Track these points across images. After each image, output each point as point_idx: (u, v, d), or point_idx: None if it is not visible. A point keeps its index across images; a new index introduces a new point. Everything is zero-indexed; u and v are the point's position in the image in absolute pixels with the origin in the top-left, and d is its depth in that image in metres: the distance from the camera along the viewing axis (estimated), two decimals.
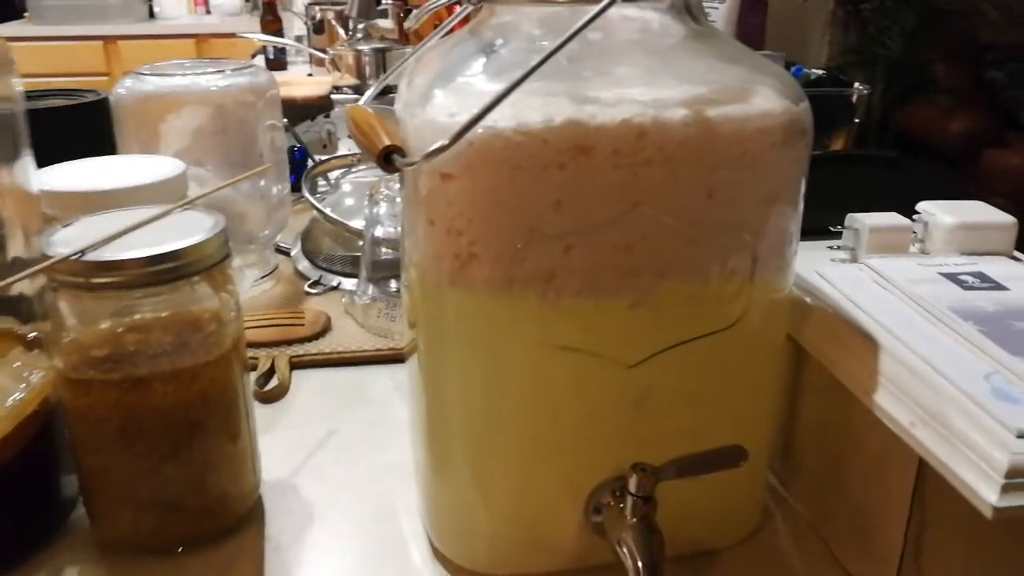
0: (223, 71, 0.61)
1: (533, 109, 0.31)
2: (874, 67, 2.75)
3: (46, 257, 0.34)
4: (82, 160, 0.51)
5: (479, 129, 0.30)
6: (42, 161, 0.48)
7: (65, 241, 0.35)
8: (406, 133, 0.34)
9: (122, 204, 0.42)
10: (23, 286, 0.40)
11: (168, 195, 0.47)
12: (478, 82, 0.33)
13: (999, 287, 0.40)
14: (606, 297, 0.33)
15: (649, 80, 0.33)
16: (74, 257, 0.34)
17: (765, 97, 0.33)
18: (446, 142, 0.29)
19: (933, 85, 2.75)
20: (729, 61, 0.35)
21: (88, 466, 0.38)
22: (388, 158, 0.32)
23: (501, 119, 0.30)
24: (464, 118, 0.29)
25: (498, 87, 0.29)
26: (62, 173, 0.49)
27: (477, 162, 0.31)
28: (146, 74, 0.59)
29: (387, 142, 0.32)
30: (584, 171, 0.31)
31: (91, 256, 0.35)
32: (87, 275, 0.35)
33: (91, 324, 0.37)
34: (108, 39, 2.95)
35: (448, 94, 0.33)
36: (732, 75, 0.34)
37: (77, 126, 0.64)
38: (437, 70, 0.35)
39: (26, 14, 3.02)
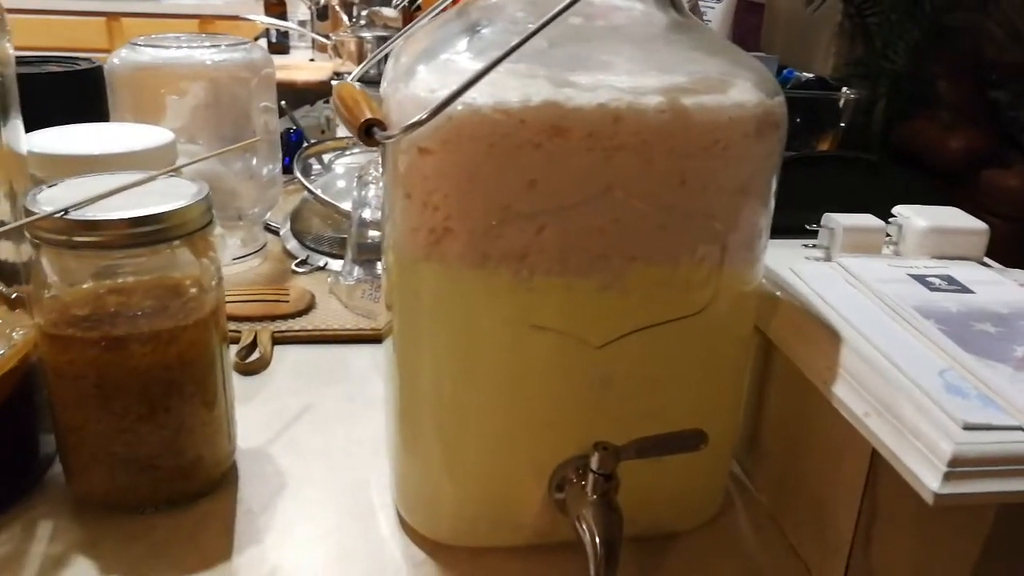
0: (219, 46, 0.61)
1: (512, 89, 0.31)
2: (878, 79, 2.76)
3: (30, 214, 0.35)
4: (72, 125, 0.52)
5: (458, 106, 0.31)
6: (34, 127, 0.49)
7: (49, 200, 0.36)
8: (388, 108, 0.34)
9: (110, 170, 0.42)
10: (8, 251, 0.41)
11: (156, 164, 0.47)
12: (460, 60, 0.33)
13: (965, 290, 0.40)
14: (577, 277, 0.34)
15: (628, 67, 0.34)
16: (57, 215, 0.35)
17: (741, 89, 0.33)
18: (424, 116, 0.30)
19: (936, 101, 2.77)
20: (708, 53, 0.35)
21: (65, 422, 0.39)
22: (368, 131, 0.33)
23: (480, 97, 0.31)
24: (444, 94, 0.30)
25: (479, 66, 0.30)
26: (52, 137, 0.50)
27: (454, 137, 0.31)
28: (141, 45, 0.60)
29: (368, 115, 0.33)
30: (559, 152, 0.32)
31: (74, 215, 0.35)
32: (69, 233, 0.35)
33: (72, 283, 0.37)
34: (111, 15, 2.95)
35: (431, 71, 0.33)
36: (710, 66, 0.34)
37: (70, 93, 0.64)
38: (422, 48, 0.35)
39: None
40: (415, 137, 0.32)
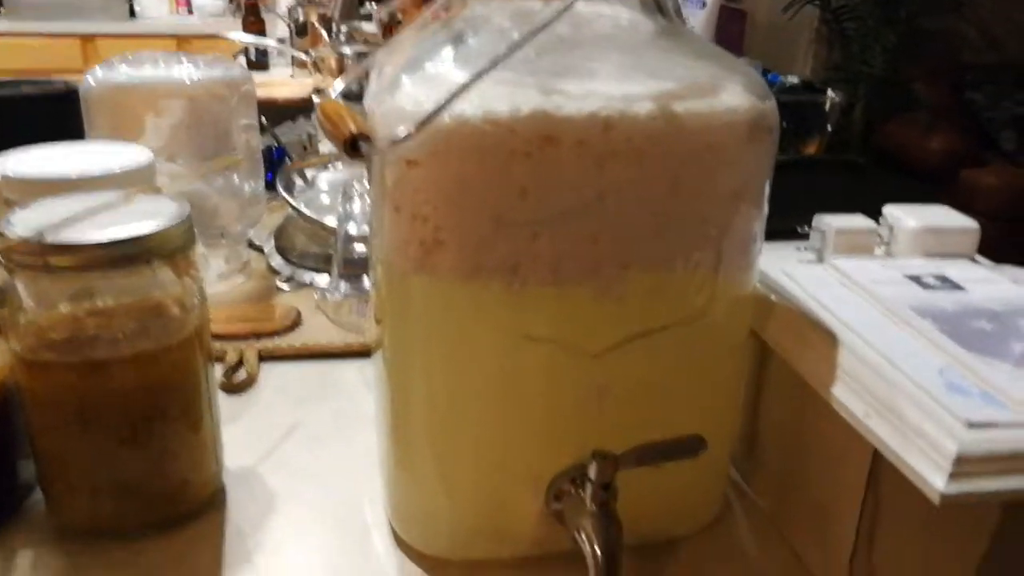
0: (197, 64, 0.61)
1: (500, 98, 0.31)
2: (857, 84, 2.79)
3: (3, 238, 0.34)
4: (47, 145, 0.50)
5: (446, 117, 0.30)
6: (8, 149, 0.48)
7: (23, 222, 0.35)
8: (374, 121, 0.34)
9: (87, 192, 0.41)
10: None
11: (135, 184, 0.46)
12: (446, 71, 0.33)
13: (959, 288, 0.40)
14: (571, 286, 0.33)
15: (618, 74, 0.33)
16: (33, 239, 0.33)
17: (732, 93, 0.33)
18: (412, 129, 0.30)
19: (914, 103, 2.80)
20: (698, 58, 0.35)
21: (45, 449, 0.38)
22: (354, 145, 0.32)
23: (469, 107, 0.31)
24: (431, 106, 0.30)
25: (465, 76, 0.30)
26: (26, 159, 0.49)
27: (443, 149, 0.31)
28: (117, 64, 0.59)
29: (354, 129, 0.32)
30: (550, 161, 0.31)
31: (50, 238, 0.34)
32: (45, 257, 0.34)
33: (49, 307, 0.36)
34: (86, 37, 2.92)
35: (416, 82, 0.33)
36: (700, 71, 0.34)
37: (45, 116, 0.63)
38: (406, 59, 0.35)
39: (1, 8, 2.98)
40: (402, 150, 0.31)
